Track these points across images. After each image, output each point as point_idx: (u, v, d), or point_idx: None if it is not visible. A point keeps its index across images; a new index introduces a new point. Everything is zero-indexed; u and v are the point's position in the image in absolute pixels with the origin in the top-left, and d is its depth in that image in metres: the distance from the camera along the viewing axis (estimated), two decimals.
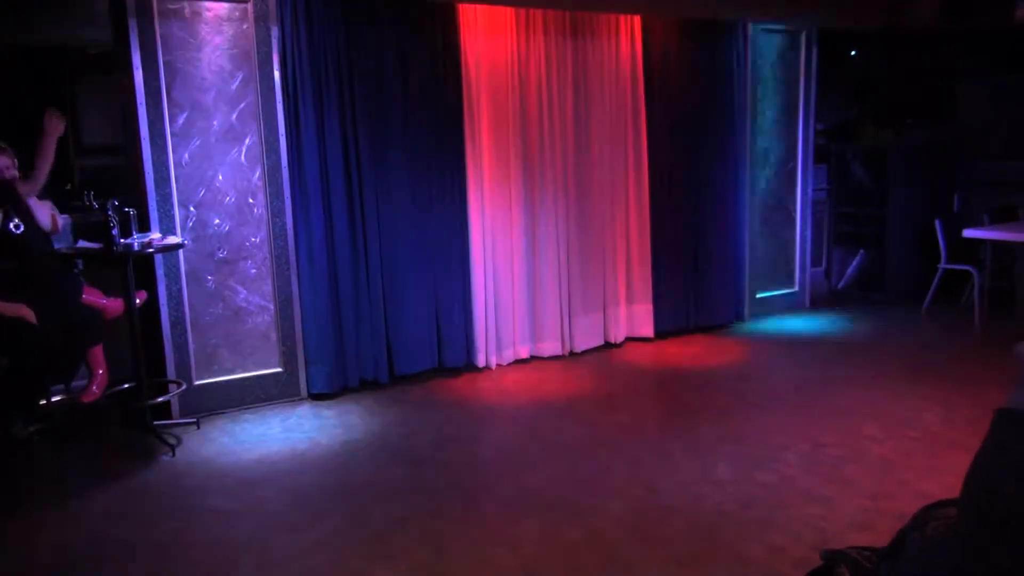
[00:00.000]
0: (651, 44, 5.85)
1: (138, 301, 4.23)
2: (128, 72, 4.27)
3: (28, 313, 3.72)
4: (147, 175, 4.34)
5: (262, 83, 4.57)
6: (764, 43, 6.47)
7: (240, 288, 4.67)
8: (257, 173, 4.64)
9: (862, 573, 1.88)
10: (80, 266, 4.30)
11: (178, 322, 4.50)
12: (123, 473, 3.86)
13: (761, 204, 6.68)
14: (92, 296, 4.18)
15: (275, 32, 4.57)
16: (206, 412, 4.60)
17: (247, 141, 4.59)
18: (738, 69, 6.29)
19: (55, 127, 3.92)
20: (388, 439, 4.24)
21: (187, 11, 4.37)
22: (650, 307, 6.07)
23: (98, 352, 4.26)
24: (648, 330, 6.08)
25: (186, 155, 4.45)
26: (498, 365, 5.47)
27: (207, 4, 4.42)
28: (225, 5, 4.46)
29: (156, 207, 4.38)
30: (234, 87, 4.52)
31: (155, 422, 4.27)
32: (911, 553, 1.76)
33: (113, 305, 4.25)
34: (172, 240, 4.22)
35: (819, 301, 7.25)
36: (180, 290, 4.50)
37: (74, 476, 3.86)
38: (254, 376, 4.75)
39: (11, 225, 3.83)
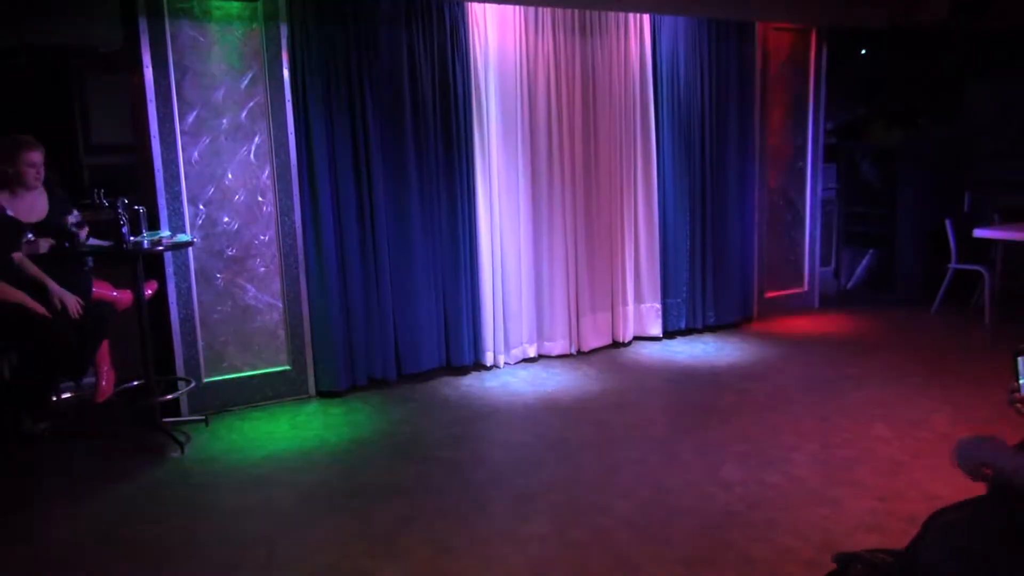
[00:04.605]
0: (660, 43, 5.84)
1: (149, 292, 4.24)
2: (138, 71, 4.29)
3: (28, 300, 3.73)
4: (157, 173, 4.35)
5: (271, 82, 4.58)
6: (773, 42, 6.44)
7: (249, 286, 4.69)
8: (266, 171, 4.65)
9: (877, 571, 1.89)
10: (90, 263, 4.31)
11: (187, 319, 4.52)
12: (132, 470, 3.87)
13: (770, 204, 6.66)
14: (102, 289, 4.19)
15: (284, 31, 4.57)
16: (215, 409, 4.61)
17: (256, 139, 4.60)
18: (746, 68, 6.27)
19: None
20: (396, 437, 4.25)
21: (197, 10, 4.38)
22: (658, 306, 6.06)
23: (104, 349, 4.27)
24: (656, 329, 6.07)
25: (196, 153, 4.46)
26: (506, 364, 5.47)
27: (217, 3, 4.42)
28: (235, 4, 4.47)
29: (166, 205, 4.40)
30: (243, 85, 4.54)
31: (164, 419, 4.29)
32: (933, 547, 1.79)
33: (123, 297, 4.27)
34: (181, 238, 4.24)
35: (828, 301, 7.22)
36: (189, 288, 4.51)
37: (83, 473, 3.87)
38: (263, 374, 4.77)
39: (29, 234, 3.87)
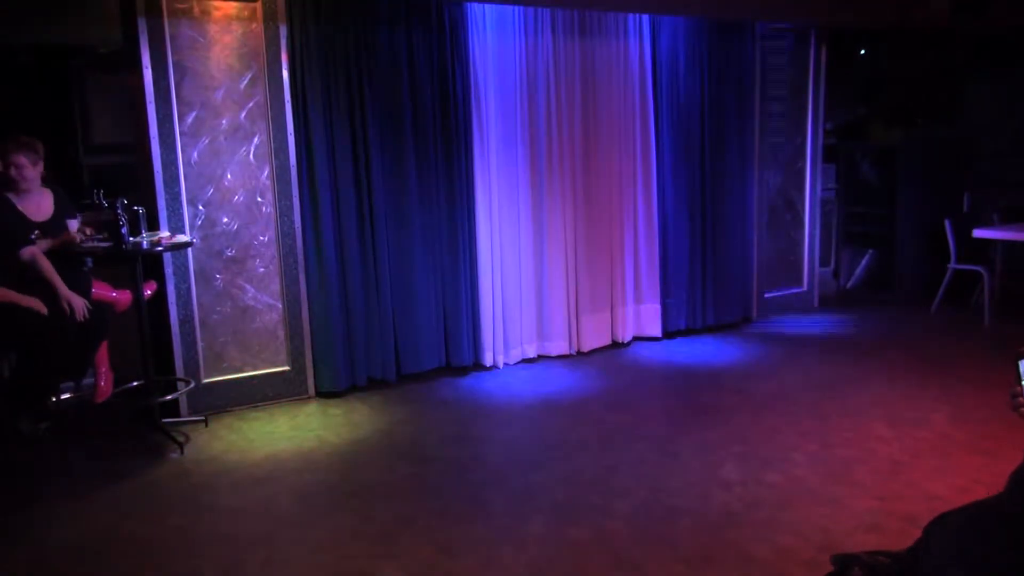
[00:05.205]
0: (660, 43, 5.84)
1: (148, 292, 4.25)
2: (137, 71, 4.28)
3: (40, 305, 3.76)
4: (156, 174, 4.35)
5: (271, 82, 4.58)
6: (772, 42, 6.44)
7: (248, 286, 4.69)
8: (265, 172, 4.65)
9: (876, 573, 1.90)
10: (89, 264, 4.32)
11: (187, 320, 4.52)
12: (132, 470, 3.87)
13: (769, 203, 6.66)
14: (101, 290, 4.20)
15: (284, 31, 4.57)
16: (214, 410, 4.61)
17: (256, 140, 4.60)
18: (746, 68, 6.27)
19: None
20: (395, 438, 4.25)
21: (196, 10, 4.37)
22: (658, 306, 6.06)
23: (103, 349, 4.27)
24: (656, 330, 6.07)
25: (195, 154, 4.46)
26: (505, 364, 5.47)
27: (216, 3, 4.42)
28: (234, 4, 4.46)
29: (165, 205, 4.39)
30: (243, 86, 4.53)
31: (163, 420, 4.29)
32: (935, 551, 1.79)
33: (123, 297, 4.27)
34: (181, 238, 4.23)
35: (827, 301, 7.22)
36: (189, 288, 4.51)
37: (83, 473, 3.87)
38: (262, 374, 4.76)
39: (32, 235, 3.89)
